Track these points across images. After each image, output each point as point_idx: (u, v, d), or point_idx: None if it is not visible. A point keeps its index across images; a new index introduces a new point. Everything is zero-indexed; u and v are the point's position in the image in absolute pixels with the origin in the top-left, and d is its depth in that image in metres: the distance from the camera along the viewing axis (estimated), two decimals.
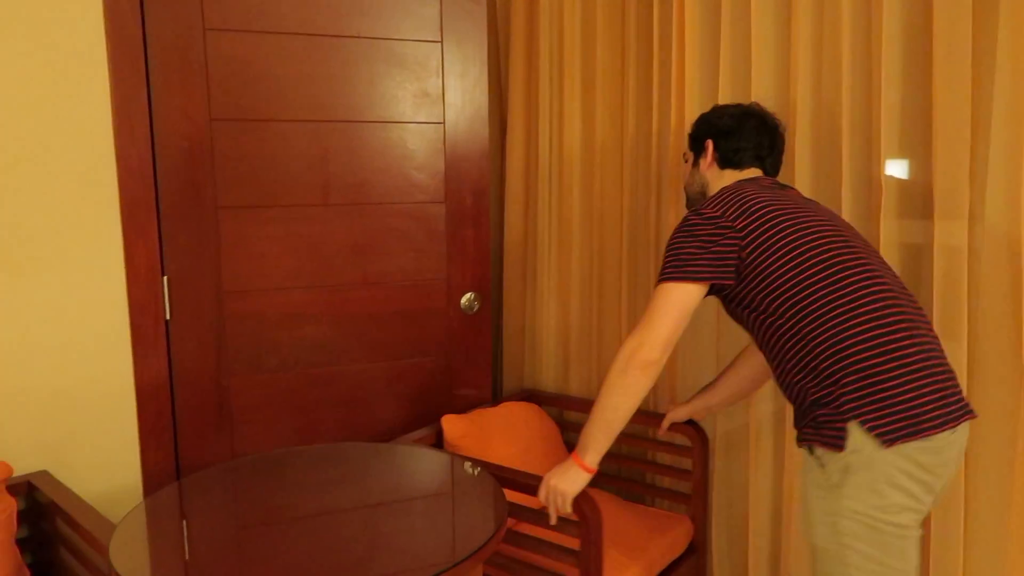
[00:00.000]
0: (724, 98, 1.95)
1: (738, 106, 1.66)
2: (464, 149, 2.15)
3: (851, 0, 1.71)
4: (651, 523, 1.97)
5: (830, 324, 1.33)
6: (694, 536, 2.03)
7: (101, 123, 1.75)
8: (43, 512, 1.63)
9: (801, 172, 1.83)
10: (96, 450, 1.80)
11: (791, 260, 1.37)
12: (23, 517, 1.65)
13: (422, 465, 1.63)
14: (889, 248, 1.71)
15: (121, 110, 1.76)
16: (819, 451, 1.33)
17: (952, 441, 1.29)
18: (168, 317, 1.89)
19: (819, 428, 1.33)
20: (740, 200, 1.45)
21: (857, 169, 1.76)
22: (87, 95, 1.73)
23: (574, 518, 1.60)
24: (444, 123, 2.12)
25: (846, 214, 1.77)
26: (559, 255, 2.40)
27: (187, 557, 1.26)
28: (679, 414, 1.96)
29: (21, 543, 1.63)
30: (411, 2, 2.05)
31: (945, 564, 1.65)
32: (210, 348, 1.93)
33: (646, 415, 2.08)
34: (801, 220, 1.41)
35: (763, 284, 1.39)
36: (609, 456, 2.16)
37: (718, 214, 1.44)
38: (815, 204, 1.49)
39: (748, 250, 1.40)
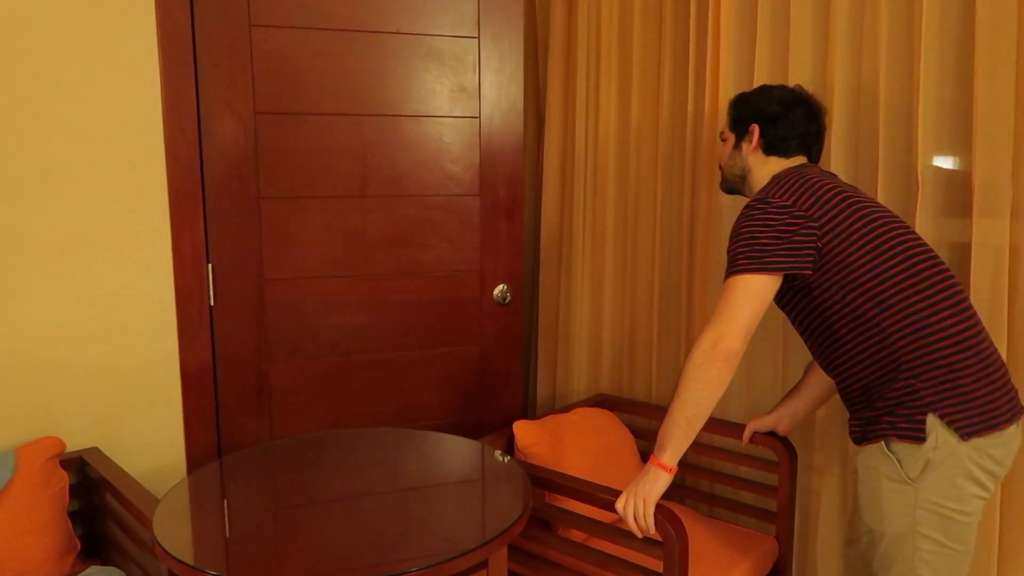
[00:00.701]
0: (760, 83, 1.94)
1: (784, 89, 1.62)
2: (499, 143, 2.19)
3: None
4: (734, 542, 1.83)
5: (912, 317, 1.32)
6: (779, 557, 1.88)
7: (152, 115, 1.82)
8: (94, 487, 1.71)
9: (836, 162, 1.82)
10: (144, 428, 1.88)
11: (871, 251, 1.35)
12: (75, 491, 1.73)
13: (453, 451, 1.68)
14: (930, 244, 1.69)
15: (171, 103, 1.84)
16: (896, 445, 1.34)
17: (1016, 433, 1.34)
18: (212, 303, 1.96)
19: (896, 422, 1.33)
20: (809, 188, 1.42)
21: (895, 162, 1.74)
22: (139, 88, 1.80)
23: (657, 537, 1.46)
24: (480, 117, 2.16)
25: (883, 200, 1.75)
26: (594, 247, 2.42)
27: (227, 533, 1.32)
28: (764, 423, 1.84)
29: (73, 516, 1.71)
30: None
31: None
32: (251, 334, 2.00)
33: (728, 426, 1.97)
34: (871, 210, 1.40)
35: (841, 275, 1.37)
36: (690, 469, 2.10)
37: (790, 203, 1.40)
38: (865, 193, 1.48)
39: (826, 239, 1.37)
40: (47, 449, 1.62)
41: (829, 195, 1.40)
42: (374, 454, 1.67)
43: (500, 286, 2.22)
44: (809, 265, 1.38)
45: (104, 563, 1.68)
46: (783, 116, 1.58)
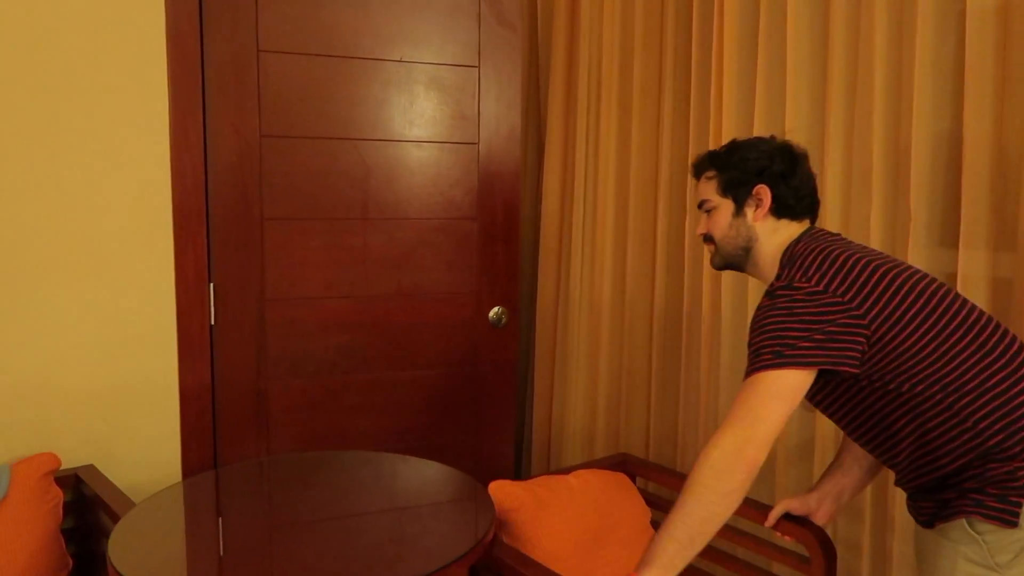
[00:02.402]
0: (760, 127, 1.98)
1: (771, 141, 1.40)
2: (497, 168, 2.24)
3: (884, 38, 1.74)
4: None
5: (991, 393, 1.12)
6: None
7: (159, 136, 1.86)
8: (88, 505, 1.71)
9: (832, 202, 1.85)
10: (141, 447, 1.89)
11: (928, 329, 1.16)
12: (70, 508, 1.73)
13: (419, 475, 1.69)
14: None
15: (178, 123, 1.87)
16: (982, 526, 1.11)
17: None
18: (213, 322, 1.98)
19: (984, 500, 1.11)
20: (836, 264, 1.21)
21: (887, 197, 1.77)
22: (147, 109, 1.84)
23: None
24: (479, 143, 2.21)
25: (876, 242, 1.78)
26: (592, 272, 2.44)
27: (187, 552, 1.32)
28: (802, 504, 1.51)
29: (66, 533, 1.70)
30: (452, 29, 2.15)
31: None
32: (250, 353, 2.02)
33: (759, 509, 1.58)
34: (908, 276, 1.21)
35: (897, 363, 1.16)
36: (717, 555, 1.76)
37: (820, 288, 1.19)
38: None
39: (873, 327, 1.16)
40: (42, 465, 1.62)
41: (861, 270, 1.20)
42: (352, 475, 1.67)
43: (495, 309, 2.25)
44: (855, 362, 1.17)
45: None
46: (792, 173, 1.36)
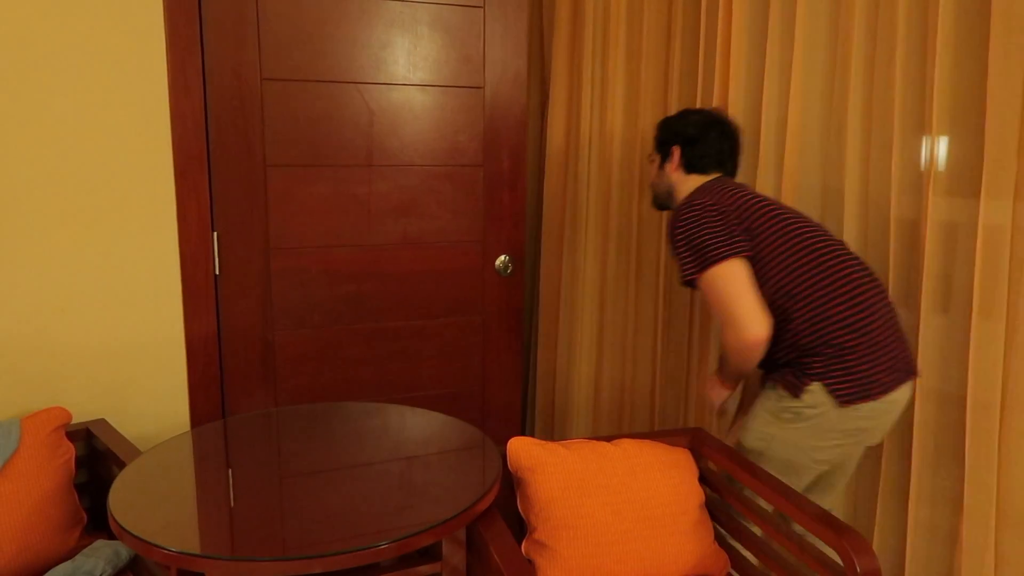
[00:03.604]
0: (771, 75, 1.92)
1: (700, 113, 1.81)
2: (502, 114, 2.16)
3: None
4: None
5: (812, 306, 1.55)
6: None
7: (157, 80, 1.79)
8: (100, 458, 1.71)
9: (852, 145, 1.81)
10: (150, 399, 1.88)
11: (780, 248, 1.58)
12: (82, 463, 1.73)
13: (439, 427, 1.68)
14: (933, 225, 1.69)
15: (176, 67, 1.80)
16: (780, 391, 1.61)
17: (895, 399, 1.56)
18: (217, 272, 1.94)
19: (785, 376, 1.60)
20: (724, 191, 1.66)
21: (907, 144, 1.73)
22: (144, 52, 1.77)
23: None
24: (484, 88, 2.14)
25: (894, 190, 1.74)
26: (597, 220, 2.40)
27: (193, 505, 1.32)
28: (722, 392, 1.83)
29: (79, 488, 1.71)
30: None
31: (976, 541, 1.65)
32: (256, 303, 1.99)
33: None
34: (778, 212, 1.62)
35: (756, 268, 1.59)
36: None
37: (711, 201, 1.63)
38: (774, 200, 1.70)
39: (744, 237, 1.59)
40: (53, 420, 1.61)
41: (742, 200, 1.64)
42: (358, 426, 1.67)
43: (502, 257, 2.22)
44: (748, 248, 1.58)
45: (111, 537, 1.68)
46: (699, 137, 1.78)
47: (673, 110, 2.17)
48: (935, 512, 1.77)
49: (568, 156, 2.48)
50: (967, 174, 1.66)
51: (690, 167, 1.79)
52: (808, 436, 1.58)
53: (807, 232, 1.59)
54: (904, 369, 1.57)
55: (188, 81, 1.82)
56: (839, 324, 1.54)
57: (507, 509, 1.61)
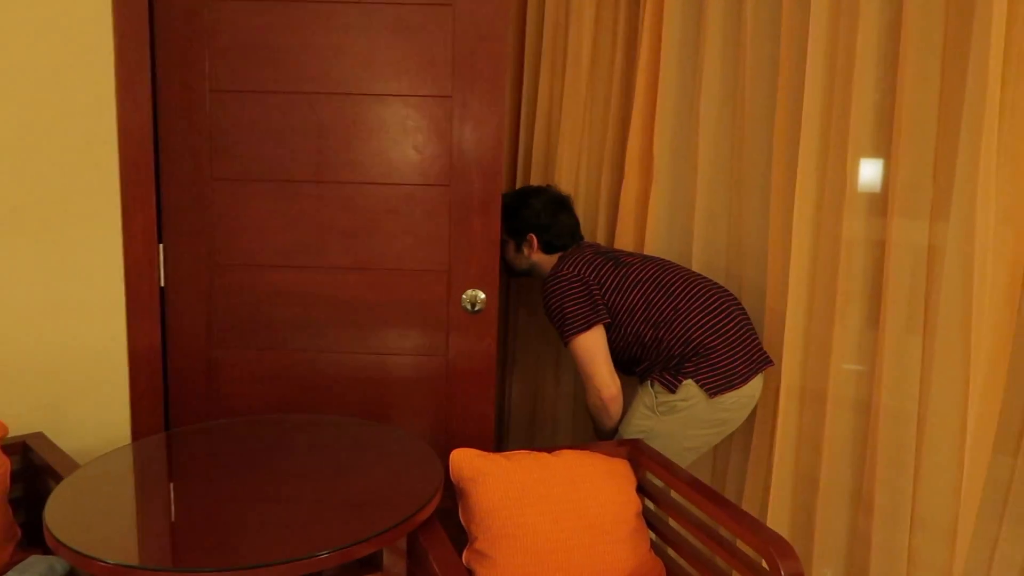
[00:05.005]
0: (709, 88, 2.01)
1: (539, 196, 2.08)
2: (474, 127, 1.91)
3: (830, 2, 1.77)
4: None
5: (676, 324, 1.87)
6: None
7: (105, 90, 1.78)
8: (37, 472, 1.68)
9: (778, 164, 1.90)
10: (90, 412, 1.85)
11: (639, 293, 1.90)
12: (18, 477, 1.69)
13: (380, 438, 1.70)
14: (853, 245, 1.78)
15: (125, 77, 1.80)
16: (657, 387, 1.89)
17: (751, 393, 1.88)
18: (163, 284, 1.93)
19: (663, 375, 1.87)
20: (584, 261, 1.96)
21: (824, 165, 1.83)
22: (92, 63, 1.76)
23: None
24: (452, 96, 1.90)
25: (809, 211, 1.84)
26: None
27: (130, 517, 1.32)
28: None
29: (15, 502, 1.67)
30: None
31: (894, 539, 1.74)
32: (201, 319, 1.98)
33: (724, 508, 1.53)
34: (629, 261, 1.95)
35: (621, 316, 1.91)
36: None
37: (575, 273, 1.94)
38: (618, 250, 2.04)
39: (607, 296, 1.91)
40: None
41: (599, 265, 1.95)
42: (302, 438, 1.68)
43: (469, 291, 1.95)
44: (608, 314, 1.92)
45: (46, 552, 1.65)
46: (552, 223, 2.07)
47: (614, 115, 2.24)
48: (846, 513, 1.86)
49: (547, 172, 2.51)
50: (884, 195, 1.76)
51: (549, 248, 2.08)
52: (681, 426, 1.87)
53: (657, 272, 1.93)
54: (759, 360, 1.89)
55: (137, 90, 1.81)
56: (701, 329, 1.86)
57: (451, 520, 1.63)
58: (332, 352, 2.00)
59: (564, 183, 2.35)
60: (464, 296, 1.95)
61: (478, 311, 1.95)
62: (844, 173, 1.76)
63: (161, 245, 1.92)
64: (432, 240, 1.96)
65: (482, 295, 1.94)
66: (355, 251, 1.96)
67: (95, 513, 1.30)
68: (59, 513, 1.30)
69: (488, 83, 1.88)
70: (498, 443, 2.63)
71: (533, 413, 2.55)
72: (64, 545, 1.19)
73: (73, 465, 1.58)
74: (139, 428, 1.92)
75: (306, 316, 1.98)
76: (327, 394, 2.01)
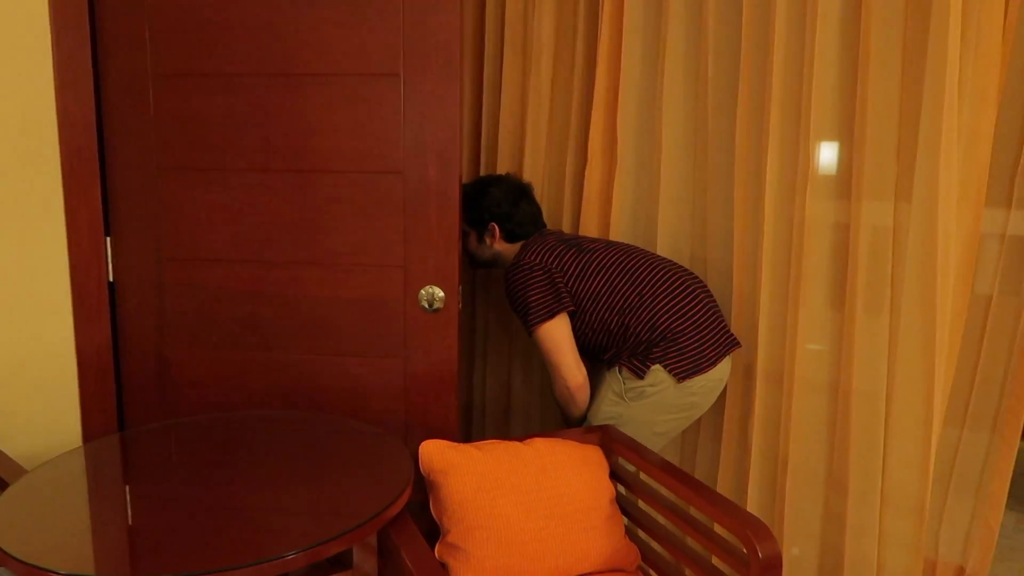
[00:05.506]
0: (672, 71, 1.99)
1: (499, 184, 2.05)
2: (427, 108, 1.75)
3: None
4: None
5: (642, 310, 1.84)
6: None
7: (43, 75, 1.68)
8: None
9: (742, 147, 1.89)
10: (37, 414, 1.76)
11: (603, 280, 1.87)
12: None
13: (347, 435, 1.66)
14: (817, 228, 1.79)
15: (63, 64, 1.70)
16: (625, 373, 1.86)
17: (719, 377, 1.87)
18: (111, 279, 1.85)
19: (631, 361, 1.85)
20: (546, 248, 1.92)
21: (787, 150, 1.83)
22: (29, 48, 1.66)
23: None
24: (401, 76, 1.76)
25: (771, 195, 1.84)
26: None
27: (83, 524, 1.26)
28: None
29: None
30: None
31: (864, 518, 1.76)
32: (152, 316, 1.89)
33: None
34: (592, 249, 1.92)
35: (586, 303, 1.87)
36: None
37: (538, 261, 1.90)
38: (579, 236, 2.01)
39: (570, 284, 1.88)
40: None
41: (562, 252, 1.91)
42: (265, 436, 1.62)
43: (427, 288, 1.81)
44: (572, 302, 1.88)
45: None
46: (513, 212, 2.03)
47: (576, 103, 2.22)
48: (821, 491, 1.88)
49: (513, 157, 2.48)
50: (848, 177, 1.78)
51: (512, 237, 2.05)
52: (650, 412, 1.85)
53: (622, 257, 1.90)
54: (726, 342, 1.88)
55: (77, 76, 1.72)
56: (668, 314, 1.84)
57: (423, 513, 1.60)
58: (284, 352, 1.87)
59: (529, 172, 2.32)
60: (421, 293, 1.82)
61: (436, 310, 1.82)
62: (809, 156, 1.77)
63: (109, 238, 1.83)
64: (386, 233, 1.81)
65: (440, 292, 1.80)
66: (306, 245, 1.83)
67: (45, 521, 1.23)
68: (5, 522, 1.22)
69: (442, 61, 1.73)
70: (480, 436, 2.60)
71: (508, 404, 2.52)
72: (11, 556, 1.12)
73: (20, 470, 1.50)
74: (91, 430, 1.83)
75: (257, 314, 1.87)
76: (280, 398, 1.90)
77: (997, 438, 1.86)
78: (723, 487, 2.03)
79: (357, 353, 1.87)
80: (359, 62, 1.75)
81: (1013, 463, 1.91)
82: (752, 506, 1.96)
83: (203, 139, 1.82)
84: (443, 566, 1.48)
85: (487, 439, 2.33)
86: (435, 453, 1.54)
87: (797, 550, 1.92)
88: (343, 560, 1.35)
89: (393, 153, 1.79)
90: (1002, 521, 2.79)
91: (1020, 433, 1.89)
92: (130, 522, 1.24)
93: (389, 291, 1.84)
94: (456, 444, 1.58)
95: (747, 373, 1.97)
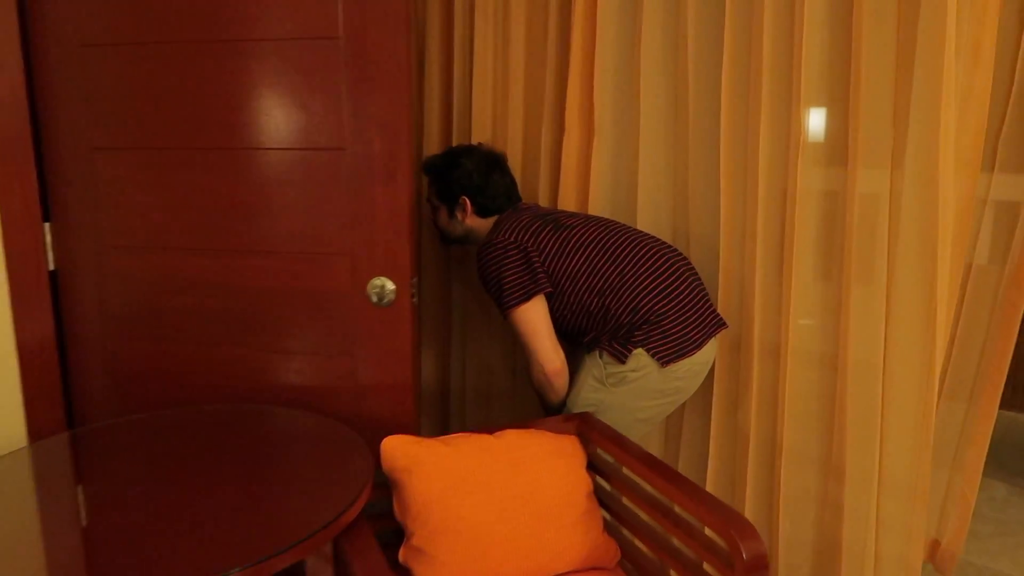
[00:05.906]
0: (650, 35, 1.87)
1: (471, 155, 1.90)
2: (369, 75, 1.55)
3: None
4: None
5: (626, 293, 1.71)
6: None
7: None
8: None
9: (724, 118, 1.77)
10: None
11: (583, 258, 1.73)
12: None
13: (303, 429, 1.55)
14: (809, 196, 1.68)
15: None
16: (606, 357, 1.73)
17: (704, 360, 1.76)
18: (53, 267, 1.73)
19: (612, 345, 1.72)
20: (520, 225, 1.78)
21: (777, 117, 1.71)
22: None
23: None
24: (339, 37, 1.55)
25: (764, 163, 1.72)
26: None
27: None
28: None
29: None
30: None
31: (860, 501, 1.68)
32: (95, 307, 1.77)
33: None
34: (571, 225, 1.78)
35: (565, 283, 1.74)
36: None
37: (512, 239, 1.75)
38: (559, 210, 1.88)
39: (547, 263, 1.74)
40: None
41: (537, 229, 1.77)
42: (219, 433, 1.52)
43: (376, 279, 1.63)
44: (549, 283, 1.74)
45: None
46: (485, 184, 1.89)
47: (551, 75, 2.08)
48: (813, 478, 1.80)
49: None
50: (843, 144, 1.66)
51: (484, 211, 1.91)
52: (633, 397, 1.74)
53: (602, 234, 1.76)
54: (712, 324, 1.76)
55: (4, 52, 1.57)
56: (651, 295, 1.71)
57: (389, 514, 1.50)
58: (231, 347, 1.74)
59: (503, 143, 2.19)
60: (369, 285, 1.63)
61: (387, 304, 1.64)
62: (800, 122, 1.65)
63: (47, 224, 1.71)
64: (330, 217, 1.63)
65: (391, 285, 1.61)
66: (245, 231, 1.67)
67: None
68: None
69: (387, 20, 1.52)
70: (460, 424, 2.51)
71: (490, 389, 2.42)
72: None
73: None
74: (36, 428, 1.73)
75: (201, 306, 1.73)
76: (229, 398, 1.77)
77: (974, 408, 1.80)
78: (712, 471, 1.95)
79: (305, 351, 1.71)
80: (293, 25, 1.57)
81: (990, 434, 1.84)
82: (749, 490, 1.87)
83: (134, 115, 1.66)
84: (407, 572, 1.39)
85: (467, 428, 2.26)
86: (398, 449, 1.44)
87: (787, 523, 1.84)
88: (296, 572, 1.26)
89: (334, 127, 1.59)
90: (992, 494, 2.73)
91: (997, 403, 1.82)
92: (81, 528, 1.14)
93: (335, 282, 1.66)
94: (421, 439, 1.47)
95: (737, 349, 1.87)
